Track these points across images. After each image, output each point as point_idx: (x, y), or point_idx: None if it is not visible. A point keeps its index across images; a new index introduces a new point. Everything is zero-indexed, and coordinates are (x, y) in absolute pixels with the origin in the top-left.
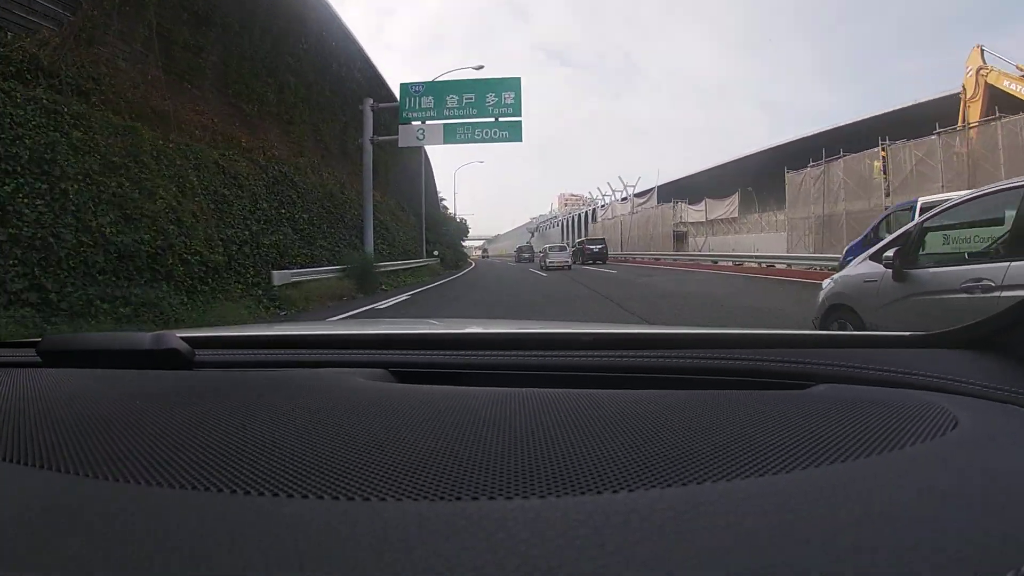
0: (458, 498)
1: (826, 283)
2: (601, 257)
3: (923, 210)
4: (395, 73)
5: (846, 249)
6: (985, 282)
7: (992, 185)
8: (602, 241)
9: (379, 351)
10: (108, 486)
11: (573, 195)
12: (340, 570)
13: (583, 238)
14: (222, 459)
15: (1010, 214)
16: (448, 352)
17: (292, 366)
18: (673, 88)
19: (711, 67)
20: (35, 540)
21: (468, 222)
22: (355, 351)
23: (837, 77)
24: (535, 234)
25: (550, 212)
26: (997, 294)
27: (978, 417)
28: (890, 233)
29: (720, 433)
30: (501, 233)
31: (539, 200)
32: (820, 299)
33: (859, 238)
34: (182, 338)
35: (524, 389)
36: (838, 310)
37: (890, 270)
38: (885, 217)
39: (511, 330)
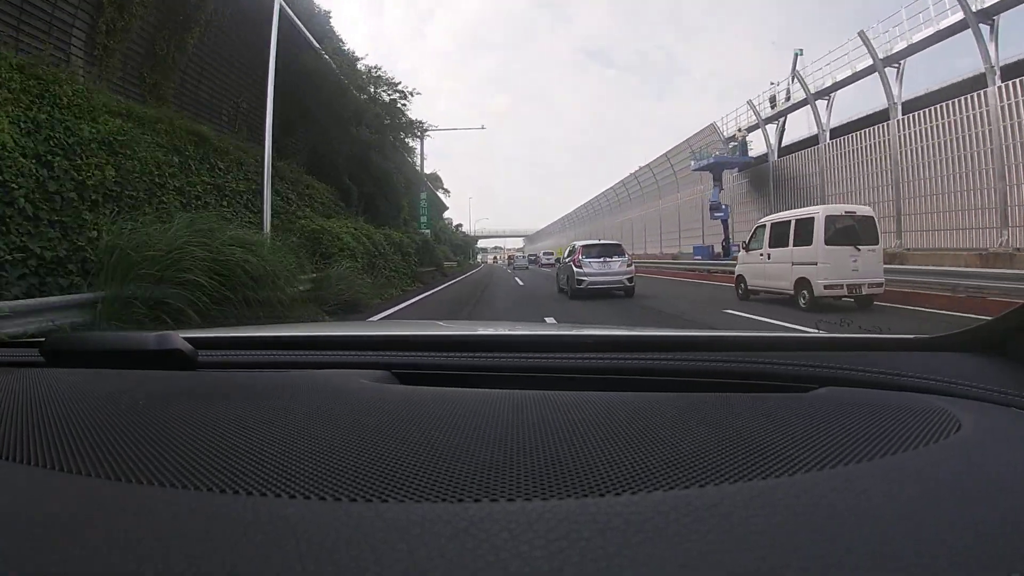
0: (460, 500)
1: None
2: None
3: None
4: (433, 75)
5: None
6: (763, 255)
7: (762, 219)
8: (551, 252)
9: (382, 352)
10: (110, 486)
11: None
12: (342, 572)
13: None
14: (225, 460)
15: (764, 231)
16: (450, 354)
17: (295, 367)
18: (718, 82)
19: (753, 62)
20: (37, 539)
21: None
22: (357, 352)
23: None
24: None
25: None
26: (768, 260)
27: (981, 420)
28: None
29: (722, 436)
30: (555, 220)
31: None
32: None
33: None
34: (185, 339)
35: (526, 391)
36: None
37: (744, 250)
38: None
39: (513, 332)
